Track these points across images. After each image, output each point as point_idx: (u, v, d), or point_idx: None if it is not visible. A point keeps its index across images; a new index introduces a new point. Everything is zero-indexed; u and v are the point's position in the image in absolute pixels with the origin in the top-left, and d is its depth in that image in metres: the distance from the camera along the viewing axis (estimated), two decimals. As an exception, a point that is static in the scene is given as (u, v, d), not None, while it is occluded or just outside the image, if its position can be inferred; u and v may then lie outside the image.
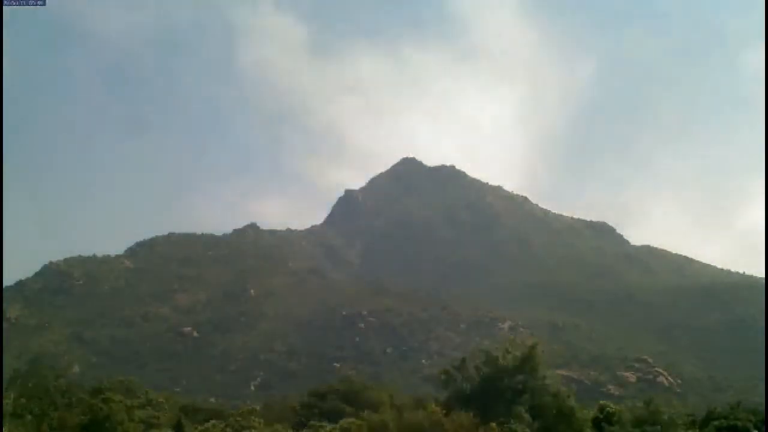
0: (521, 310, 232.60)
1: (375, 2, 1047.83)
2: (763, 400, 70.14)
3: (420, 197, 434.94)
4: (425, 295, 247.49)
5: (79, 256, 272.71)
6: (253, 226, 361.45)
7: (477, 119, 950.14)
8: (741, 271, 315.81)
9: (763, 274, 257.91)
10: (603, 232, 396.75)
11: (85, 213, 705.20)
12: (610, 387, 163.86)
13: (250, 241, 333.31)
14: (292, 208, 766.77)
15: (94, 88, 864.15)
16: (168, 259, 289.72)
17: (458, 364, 60.69)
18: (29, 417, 55.43)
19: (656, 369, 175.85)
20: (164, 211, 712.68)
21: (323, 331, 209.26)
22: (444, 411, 47.93)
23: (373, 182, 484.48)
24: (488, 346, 74.59)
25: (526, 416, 49.29)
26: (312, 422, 64.83)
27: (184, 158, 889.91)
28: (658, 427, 53.20)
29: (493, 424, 45.98)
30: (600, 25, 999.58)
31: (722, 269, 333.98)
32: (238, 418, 62.94)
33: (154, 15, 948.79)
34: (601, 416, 58.02)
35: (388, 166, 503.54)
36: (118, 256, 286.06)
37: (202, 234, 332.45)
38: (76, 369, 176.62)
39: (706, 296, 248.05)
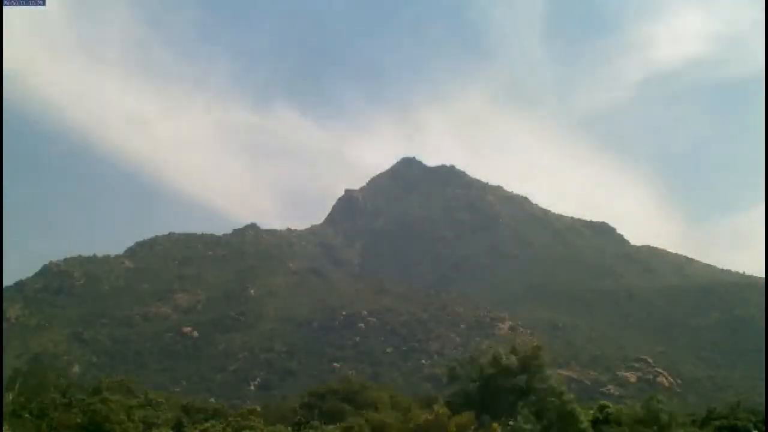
0: (521, 310, 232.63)
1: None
2: (763, 400, 70.19)
3: (420, 197, 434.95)
4: (425, 295, 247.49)
5: (79, 256, 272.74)
6: (253, 226, 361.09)
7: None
8: (741, 271, 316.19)
9: (763, 274, 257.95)
10: (603, 232, 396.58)
11: (85, 213, 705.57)
12: (610, 387, 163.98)
13: (250, 241, 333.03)
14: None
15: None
16: (168, 259, 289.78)
17: (464, 362, 60.64)
18: (29, 417, 55.42)
19: (656, 369, 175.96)
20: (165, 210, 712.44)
21: (323, 331, 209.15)
22: (450, 412, 47.84)
23: (373, 182, 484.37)
24: (493, 346, 74.56)
25: (531, 417, 49.15)
26: (312, 422, 64.77)
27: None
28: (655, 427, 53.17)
29: (495, 424, 45.96)
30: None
31: (722, 269, 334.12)
32: (238, 418, 62.82)
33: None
34: (601, 416, 58.02)
35: (388, 166, 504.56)
36: (118, 256, 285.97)
37: (202, 234, 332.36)
38: (76, 369, 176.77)
39: (706, 296, 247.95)
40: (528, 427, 48.08)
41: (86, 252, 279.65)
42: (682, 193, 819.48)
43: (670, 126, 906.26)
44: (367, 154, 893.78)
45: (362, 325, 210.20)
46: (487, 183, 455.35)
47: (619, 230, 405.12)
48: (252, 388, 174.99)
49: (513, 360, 56.13)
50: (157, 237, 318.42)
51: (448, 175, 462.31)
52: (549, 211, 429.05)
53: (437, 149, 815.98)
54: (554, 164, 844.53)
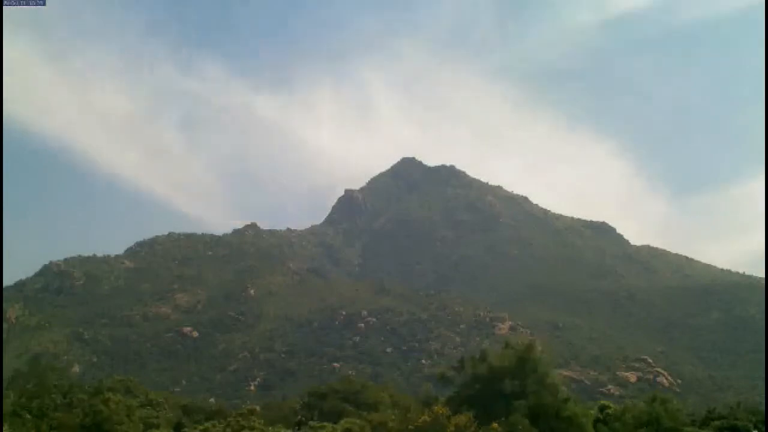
0: (521, 310, 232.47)
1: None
2: (763, 400, 70.28)
3: (420, 197, 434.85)
4: (425, 295, 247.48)
5: (79, 256, 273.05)
6: (253, 226, 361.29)
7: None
8: (741, 271, 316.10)
9: (763, 274, 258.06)
10: (603, 232, 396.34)
11: (85, 213, 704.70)
12: (610, 387, 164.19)
13: (250, 241, 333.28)
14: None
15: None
16: (168, 259, 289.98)
17: (456, 365, 60.23)
18: (29, 417, 55.44)
19: (656, 369, 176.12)
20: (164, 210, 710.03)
21: (323, 331, 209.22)
22: (449, 413, 47.71)
23: (373, 182, 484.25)
24: (488, 346, 74.31)
25: (525, 419, 48.91)
26: (312, 422, 64.82)
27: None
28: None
29: (495, 424, 45.88)
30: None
31: (722, 269, 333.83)
32: (238, 418, 62.84)
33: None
34: (601, 416, 58.00)
35: (388, 166, 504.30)
36: (118, 256, 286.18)
37: (202, 234, 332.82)
38: (76, 369, 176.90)
39: (706, 296, 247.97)
40: (527, 427, 47.89)
41: (86, 252, 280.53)
42: (665, 164, 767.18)
43: (642, 80, 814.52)
44: (298, 110, 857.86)
45: (362, 325, 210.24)
46: (487, 183, 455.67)
47: (618, 230, 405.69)
48: (252, 388, 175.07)
49: (505, 361, 55.28)
50: (157, 237, 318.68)
51: (448, 175, 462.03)
52: (549, 211, 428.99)
53: (378, 105, 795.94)
54: (502, 127, 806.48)
